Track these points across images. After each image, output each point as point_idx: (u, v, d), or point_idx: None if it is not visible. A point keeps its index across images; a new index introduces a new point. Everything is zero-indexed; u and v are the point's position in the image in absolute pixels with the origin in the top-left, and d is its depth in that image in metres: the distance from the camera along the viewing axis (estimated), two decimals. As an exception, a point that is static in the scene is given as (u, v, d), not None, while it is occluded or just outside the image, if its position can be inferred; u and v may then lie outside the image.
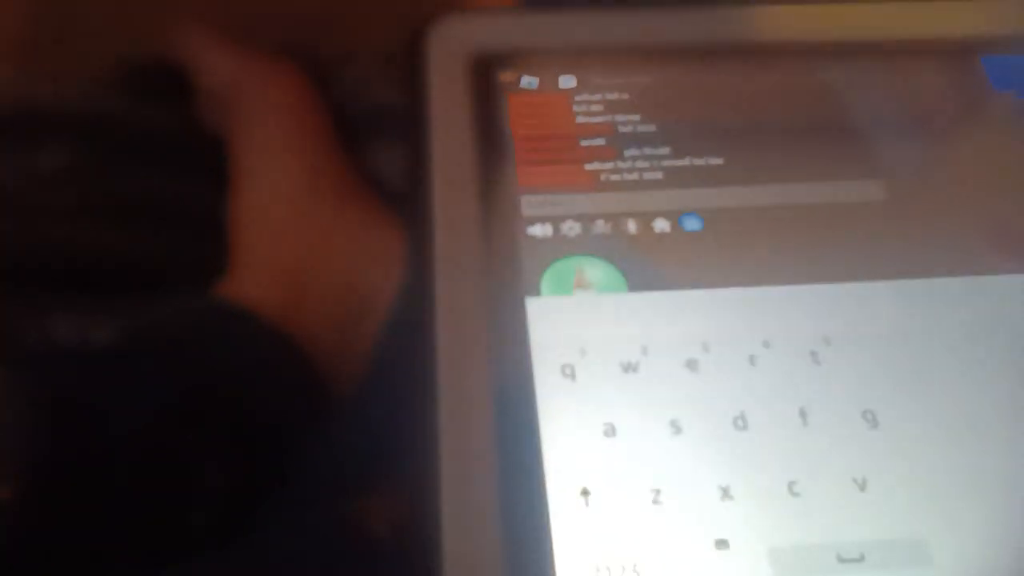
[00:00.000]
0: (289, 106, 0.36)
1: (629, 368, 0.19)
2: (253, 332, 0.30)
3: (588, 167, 0.21)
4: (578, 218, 0.21)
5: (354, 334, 0.32)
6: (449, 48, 0.22)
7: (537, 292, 0.20)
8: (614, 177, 0.21)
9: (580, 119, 0.22)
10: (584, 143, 0.22)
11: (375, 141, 0.37)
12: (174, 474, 0.26)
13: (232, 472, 0.27)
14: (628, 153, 0.22)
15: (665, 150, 0.22)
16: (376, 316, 0.32)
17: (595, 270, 0.20)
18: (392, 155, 0.37)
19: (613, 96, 0.22)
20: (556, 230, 0.21)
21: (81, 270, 0.33)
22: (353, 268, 0.33)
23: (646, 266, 0.20)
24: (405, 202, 0.32)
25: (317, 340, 0.31)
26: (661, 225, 0.21)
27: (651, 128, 0.22)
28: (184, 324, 0.29)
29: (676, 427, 0.18)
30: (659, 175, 0.21)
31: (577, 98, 0.22)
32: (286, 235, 0.34)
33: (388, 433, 0.27)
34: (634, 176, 0.21)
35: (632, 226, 0.21)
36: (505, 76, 0.22)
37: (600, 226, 0.21)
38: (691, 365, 0.19)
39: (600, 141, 0.22)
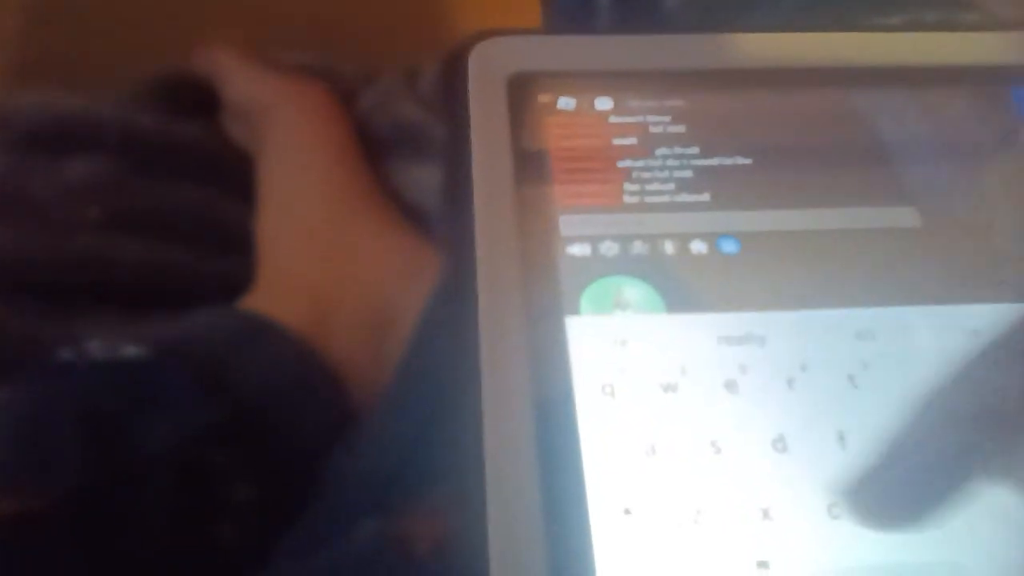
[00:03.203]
0: (315, 123, 0.36)
1: (669, 388, 0.19)
2: (281, 346, 0.30)
3: (625, 187, 0.22)
4: (616, 238, 0.21)
5: (379, 348, 0.33)
6: (488, 69, 0.23)
7: (577, 311, 0.20)
8: (651, 198, 0.21)
9: (616, 140, 0.22)
10: (621, 164, 0.22)
11: (398, 158, 0.37)
12: (203, 488, 0.27)
13: (261, 486, 0.27)
14: (665, 174, 0.22)
15: (702, 172, 0.22)
16: (400, 331, 0.32)
17: (634, 290, 0.20)
18: (415, 171, 0.37)
19: (649, 118, 0.23)
20: (595, 250, 0.21)
21: (111, 283, 0.33)
22: (378, 283, 0.34)
23: (684, 288, 0.20)
24: (443, 221, 0.32)
25: (342, 354, 0.32)
26: (698, 247, 0.21)
27: (687, 150, 0.22)
28: (213, 338, 0.30)
29: (716, 447, 0.18)
30: (696, 197, 0.21)
31: (613, 119, 0.23)
32: (312, 250, 0.34)
33: (416, 449, 0.27)
34: (671, 197, 0.21)
35: (670, 247, 0.21)
36: (543, 97, 0.23)
37: (638, 247, 0.21)
38: (730, 386, 0.19)
39: (637, 162, 0.22)
